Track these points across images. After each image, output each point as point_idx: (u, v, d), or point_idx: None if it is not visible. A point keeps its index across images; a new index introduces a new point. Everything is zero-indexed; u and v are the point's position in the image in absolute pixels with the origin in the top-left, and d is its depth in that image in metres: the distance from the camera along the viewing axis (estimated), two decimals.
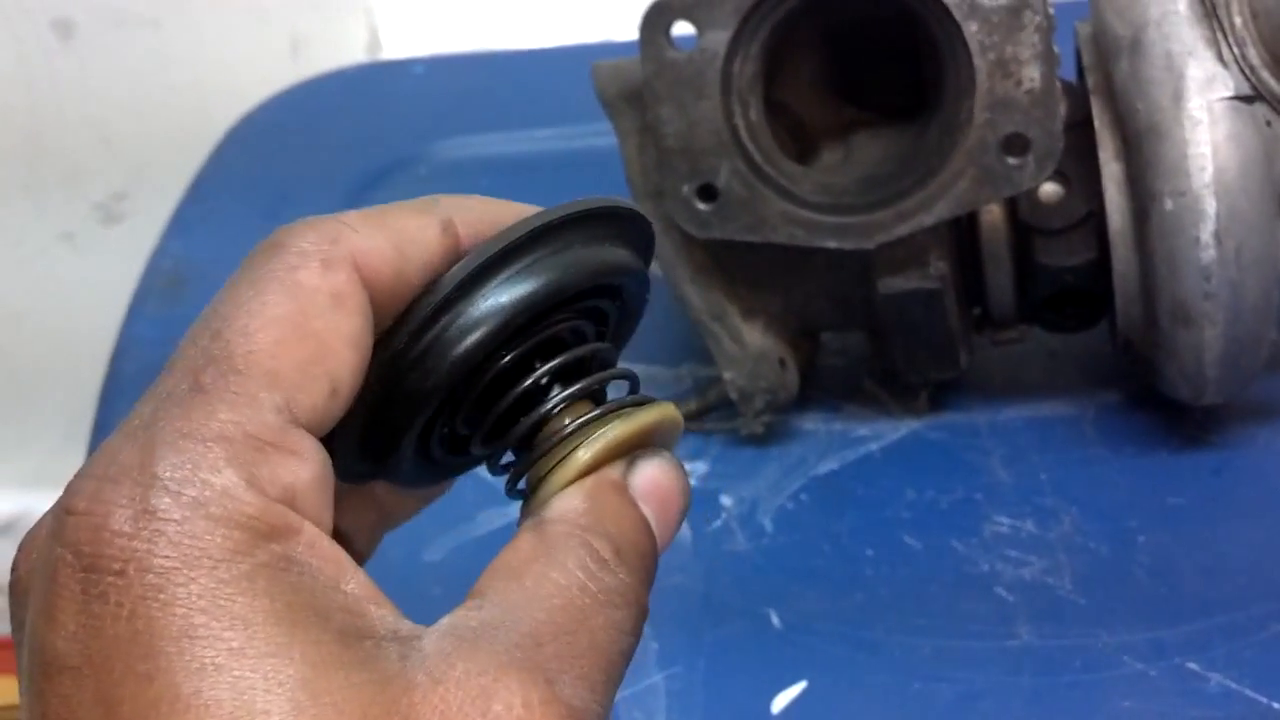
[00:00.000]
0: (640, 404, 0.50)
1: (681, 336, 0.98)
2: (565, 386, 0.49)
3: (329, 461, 0.43)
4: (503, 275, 0.46)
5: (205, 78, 1.50)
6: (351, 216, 0.46)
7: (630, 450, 0.49)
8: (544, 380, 0.49)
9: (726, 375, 0.91)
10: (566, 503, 0.47)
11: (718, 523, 0.90)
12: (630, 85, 0.89)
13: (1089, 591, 0.82)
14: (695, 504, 0.89)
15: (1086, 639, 0.80)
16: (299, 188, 1.25)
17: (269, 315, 0.42)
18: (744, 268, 0.90)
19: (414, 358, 0.46)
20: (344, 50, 1.49)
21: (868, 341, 0.96)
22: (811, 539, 0.88)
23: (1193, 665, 0.77)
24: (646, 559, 0.47)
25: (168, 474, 0.40)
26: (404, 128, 1.31)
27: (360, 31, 1.49)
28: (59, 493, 0.42)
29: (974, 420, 0.95)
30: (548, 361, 0.49)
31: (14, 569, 0.43)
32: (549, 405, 0.49)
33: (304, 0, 1.49)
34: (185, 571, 0.39)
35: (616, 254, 0.50)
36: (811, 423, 0.96)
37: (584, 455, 0.48)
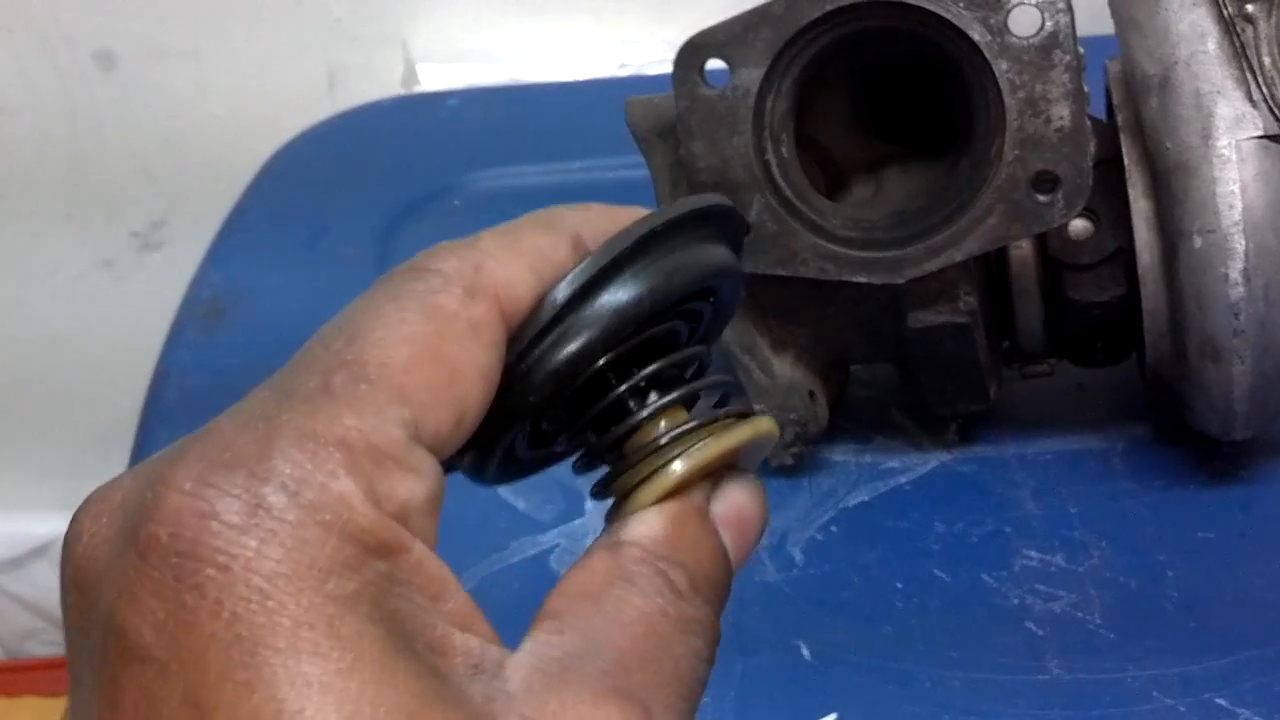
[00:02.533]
0: (735, 416, 0.49)
1: (713, 368, 0.98)
2: (661, 393, 0.48)
3: (444, 482, 0.42)
4: (605, 287, 0.46)
5: (243, 109, 1.52)
6: (488, 242, 0.45)
7: (721, 465, 0.48)
8: (640, 384, 0.48)
9: (757, 407, 0.91)
10: (646, 527, 0.46)
11: None
12: (663, 120, 0.90)
13: (1118, 625, 0.83)
14: None
15: (1116, 673, 0.80)
16: (336, 218, 1.26)
17: (406, 332, 0.41)
18: (774, 300, 0.91)
19: (520, 374, 0.45)
20: (380, 83, 1.50)
21: (897, 374, 0.97)
22: (841, 571, 0.89)
23: (1221, 700, 0.77)
24: (720, 589, 0.46)
25: (287, 471, 0.38)
26: (439, 159, 1.32)
27: (396, 64, 1.50)
28: None
29: (1003, 453, 0.96)
30: (644, 366, 0.48)
31: (74, 526, 0.40)
32: (645, 413, 0.48)
33: (341, 33, 1.50)
34: (294, 580, 0.37)
35: (716, 255, 0.49)
36: (841, 454, 0.97)
37: (677, 469, 0.46)
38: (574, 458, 0.51)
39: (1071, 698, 0.79)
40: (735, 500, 0.48)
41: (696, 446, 0.47)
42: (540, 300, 0.45)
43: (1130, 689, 0.79)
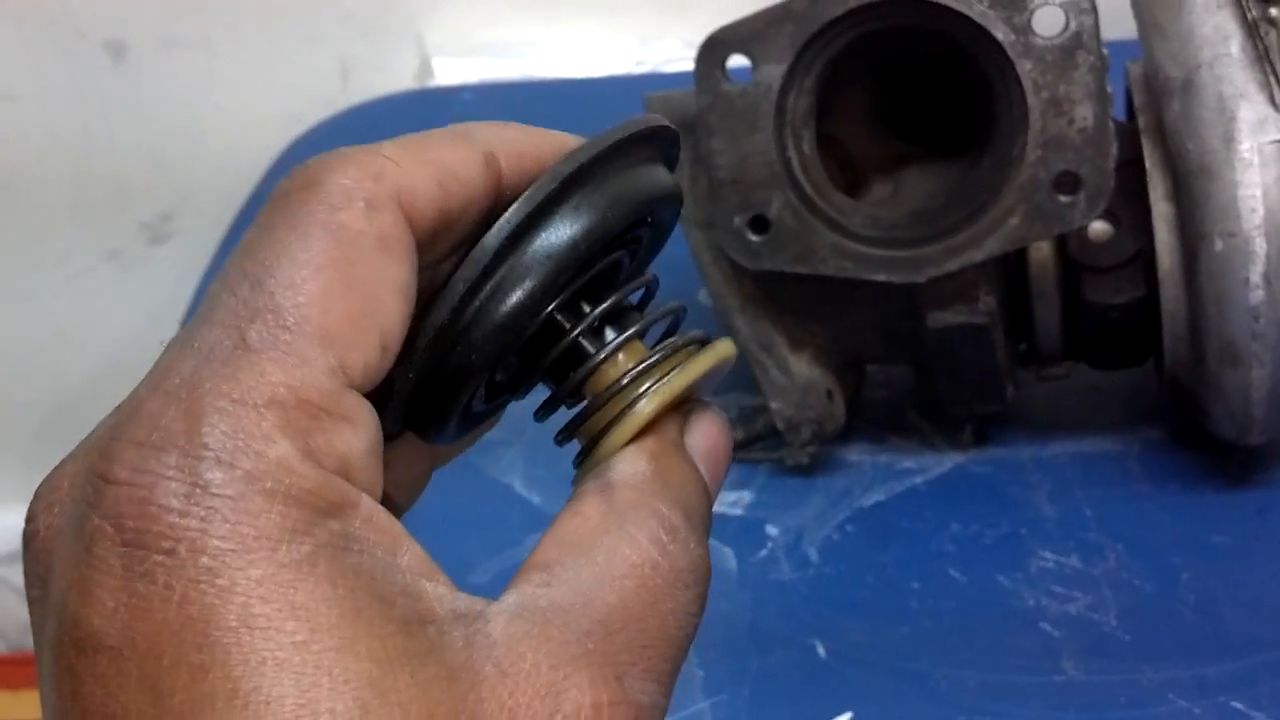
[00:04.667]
0: (695, 343, 0.47)
1: (730, 367, 0.98)
2: (616, 329, 0.47)
3: (379, 424, 0.41)
4: (540, 230, 0.43)
5: (255, 101, 1.51)
6: (390, 148, 0.42)
7: (688, 396, 0.47)
8: (594, 324, 0.46)
9: (773, 405, 0.91)
10: (631, 466, 0.44)
11: (763, 552, 0.91)
12: (682, 116, 0.90)
13: (1134, 628, 0.83)
14: (741, 533, 0.90)
15: (1131, 675, 0.80)
16: None
17: (315, 264, 0.39)
18: (793, 299, 0.91)
19: (459, 332, 0.43)
20: (394, 76, 1.49)
21: (914, 374, 0.97)
22: (856, 570, 0.89)
23: (1237, 704, 0.77)
24: (708, 521, 0.46)
25: (218, 443, 0.37)
26: None
27: (410, 58, 1.50)
28: None
29: (1019, 455, 0.96)
30: (593, 303, 0.46)
31: (30, 522, 0.40)
32: (604, 354, 0.46)
33: (355, 26, 1.49)
34: (243, 555, 0.36)
35: (652, 181, 0.47)
36: (857, 454, 0.97)
37: (647, 407, 0.45)
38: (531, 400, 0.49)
39: (1087, 699, 0.79)
40: (707, 431, 0.47)
41: (663, 381, 0.45)
42: (471, 249, 0.43)
43: (1145, 691, 0.79)
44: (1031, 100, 0.80)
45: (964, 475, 0.95)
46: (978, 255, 0.83)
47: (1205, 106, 0.81)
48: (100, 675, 0.36)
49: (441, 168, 0.43)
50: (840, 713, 0.79)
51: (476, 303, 0.43)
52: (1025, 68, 0.80)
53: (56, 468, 0.41)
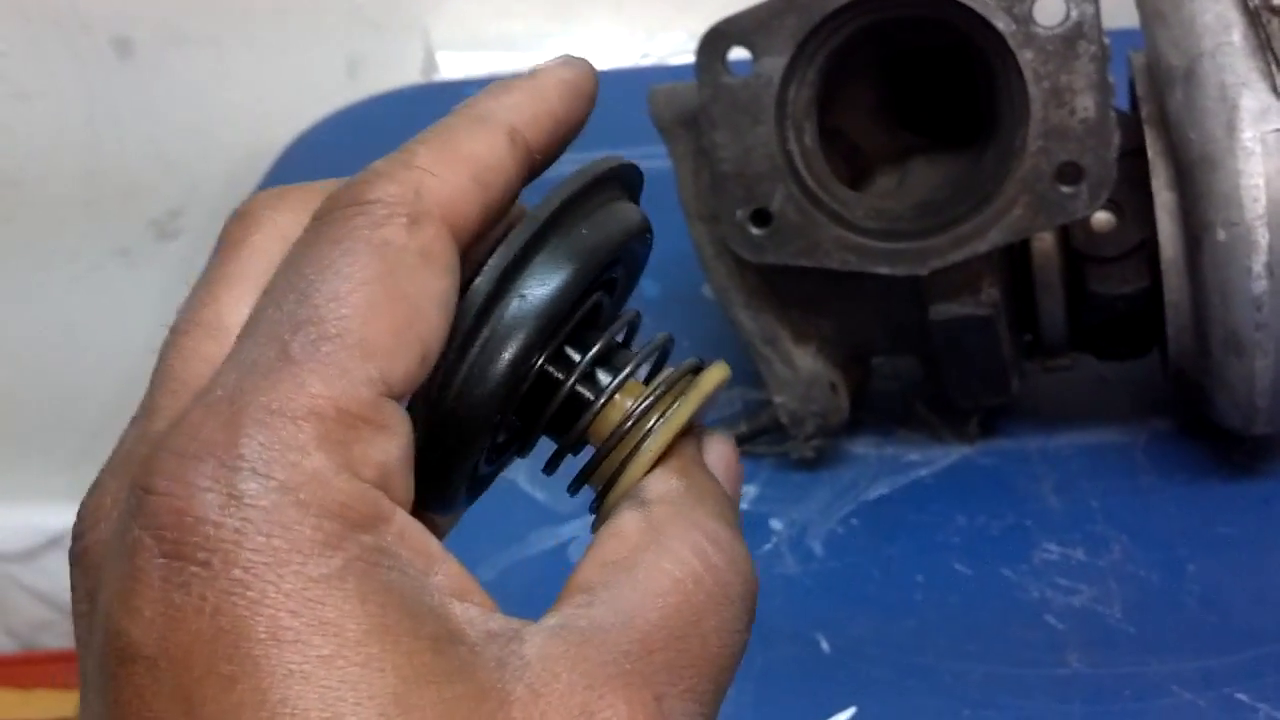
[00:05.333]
0: (689, 372, 0.47)
1: (733, 359, 0.97)
2: (609, 371, 0.46)
3: (412, 432, 0.40)
4: (518, 287, 0.43)
5: (262, 97, 1.51)
6: (423, 156, 0.42)
7: (692, 426, 0.46)
8: (588, 370, 0.46)
9: (778, 399, 0.91)
10: (663, 484, 0.44)
11: (768, 546, 0.91)
12: (685, 110, 0.90)
13: (1139, 620, 0.83)
14: (745, 528, 0.90)
15: (1136, 667, 0.80)
16: None
17: (358, 277, 0.39)
18: (797, 292, 0.91)
19: (452, 402, 0.43)
20: (401, 71, 1.49)
21: (919, 367, 0.96)
22: (861, 564, 0.89)
23: (1242, 696, 0.77)
24: (742, 534, 0.45)
25: (255, 454, 0.37)
26: None
27: (416, 53, 1.50)
28: None
29: (1025, 447, 0.95)
30: (580, 348, 0.46)
31: (78, 540, 0.41)
32: (603, 400, 0.46)
33: (361, 21, 1.49)
34: (274, 568, 0.36)
35: (625, 218, 0.47)
36: (862, 447, 0.97)
37: (654, 445, 0.45)
38: (532, 457, 0.49)
39: (1092, 692, 0.79)
40: (720, 450, 0.47)
41: (666, 415, 0.45)
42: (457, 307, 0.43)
43: (1150, 683, 0.79)
44: (1033, 90, 0.80)
45: (970, 467, 0.94)
46: (981, 247, 0.82)
47: (1207, 95, 0.80)
48: (137, 685, 0.36)
49: (475, 162, 0.43)
50: (844, 707, 0.79)
51: (464, 370, 0.43)
52: (1026, 58, 0.80)
53: (96, 484, 0.42)
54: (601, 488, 0.46)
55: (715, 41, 0.84)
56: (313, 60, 1.51)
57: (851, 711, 0.79)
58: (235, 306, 0.43)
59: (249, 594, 0.36)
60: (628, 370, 0.46)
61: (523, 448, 0.49)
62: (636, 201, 0.49)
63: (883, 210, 0.86)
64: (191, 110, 1.52)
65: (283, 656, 0.36)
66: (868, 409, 0.98)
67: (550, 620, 0.40)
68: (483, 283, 0.43)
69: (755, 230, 0.85)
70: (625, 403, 0.46)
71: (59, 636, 1.78)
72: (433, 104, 1.43)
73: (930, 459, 0.95)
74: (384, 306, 0.39)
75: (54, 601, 1.74)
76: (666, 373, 0.47)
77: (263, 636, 0.36)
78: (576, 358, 0.46)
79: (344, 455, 0.38)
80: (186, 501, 0.37)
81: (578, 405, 0.46)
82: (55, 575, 1.71)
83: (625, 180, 0.48)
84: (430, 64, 1.50)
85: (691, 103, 0.88)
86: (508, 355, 0.43)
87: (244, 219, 0.45)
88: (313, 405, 0.38)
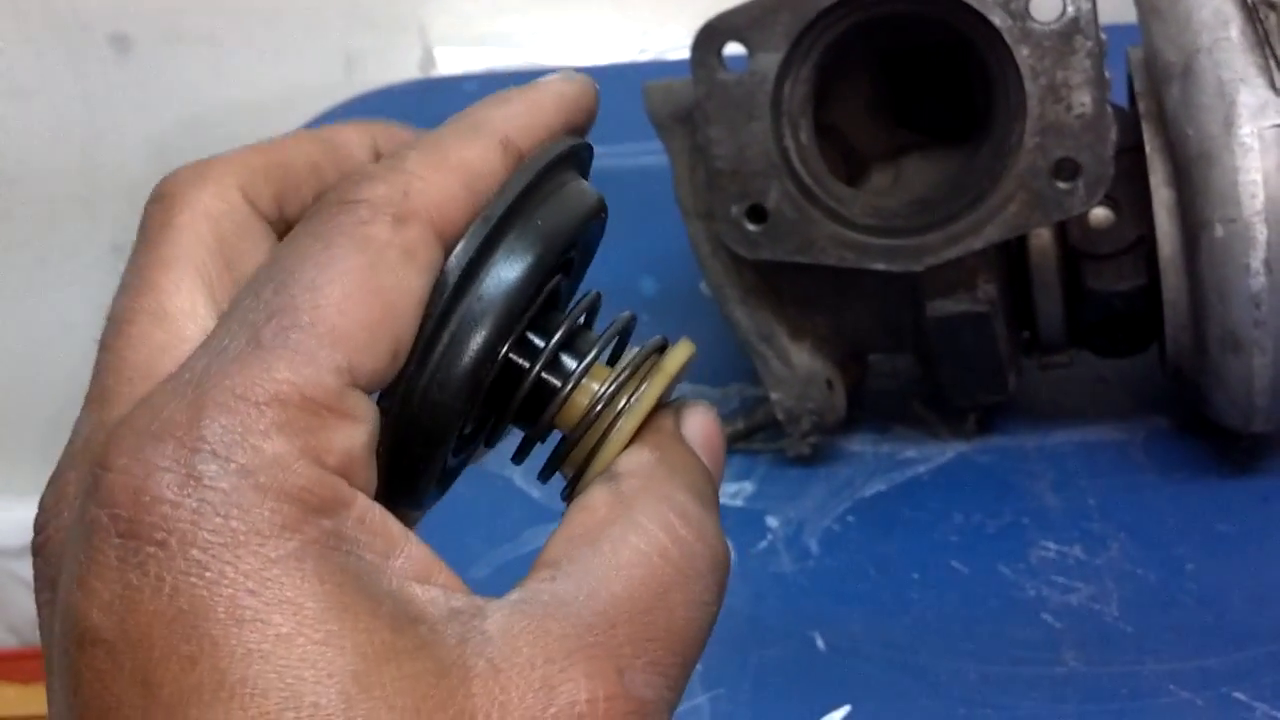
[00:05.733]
0: (655, 351, 0.47)
1: (729, 356, 0.98)
2: (573, 356, 0.46)
3: (379, 421, 0.40)
4: (478, 278, 0.43)
5: (260, 93, 1.51)
6: (414, 160, 0.43)
7: (663, 401, 0.46)
8: (552, 357, 0.46)
9: (774, 396, 0.91)
10: (636, 458, 0.44)
11: (763, 544, 0.90)
12: (681, 106, 0.89)
13: (1136, 618, 0.82)
14: (740, 525, 0.90)
15: (1133, 666, 0.79)
16: None
17: (337, 269, 0.40)
18: (793, 289, 0.90)
19: (417, 401, 0.43)
20: (398, 67, 1.49)
21: (916, 364, 0.96)
22: (857, 562, 0.88)
23: (1239, 695, 0.77)
24: (717, 508, 0.45)
25: (216, 437, 0.37)
26: None
27: (414, 49, 1.50)
28: None
29: (1023, 444, 0.95)
30: (543, 335, 0.46)
31: (39, 529, 0.41)
32: (570, 386, 0.45)
33: (359, 17, 1.49)
34: (232, 548, 0.36)
35: (582, 200, 0.47)
36: (859, 444, 0.96)
37: (626, 426, 0.45)
38: (503, 447, 0.49)
39: (1088, 691, 0.78)
40: (700, 422, 0.47)
41: (634, 396, 0.45)
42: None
43: (1147, 682, 0.78)
44: (1029, 86, 0.80)
45: (967, 465, 0.94)
46: (977, 243, 0.82)
47: (1205, 91, 0.80)
48: (97, 669, 0.36)
49: (465, 170, 0.43)
50: (839, 706, 0.79)
51: (431, 366, 0.43)
52: (1022, 54, 0.79)
53: (55, 474, 0.41)
54: (573, 474, 0.46)
55: (710, 37, 0.84)
56: (311, 56, 1.50)
57: (846, 710, 0.79)
58: (175, 292, 0.43)
59: (207, 574, 0.36)
60: (592, 355, 0.46)
61: (490, 438, 0.48)
62: (585, 173, 0.49)
63: (879, 207, 0.86)
64: (189, 107, 1.51)
65: (242, 636, 0.36)
66: (865, 406, 0.97)
67: (513, 595, 0.40)
68: (445, 279, 0.42)
69: (751, 227, 0.85)
70: (592, 387, 0.46)
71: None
72: (430, 99, 1.43)
73: (927, 456, 0.95)
74: (359, 298, 0.39)
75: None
76: (632, 353, 0.47)
77: (221, 616, 0.36)
78: (540, 344, 0.46)
79: (306, 441, 0.38)
80: (144, 480, 0.37)
81: (544, 393, 0.46)
82: None
83: (577, 159, 0.47)
84: (428, 59, 1.50)
85: (687, 99, 0.88)
86: (472, 349, 0.43)
87: (165, 200, 0.44)
88: (277, 391, 0.38)
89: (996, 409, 0.96)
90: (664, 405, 0.46)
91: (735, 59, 0.83)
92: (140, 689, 0.36)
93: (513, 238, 0.44)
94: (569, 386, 0.45)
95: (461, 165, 0.43)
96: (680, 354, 0.47)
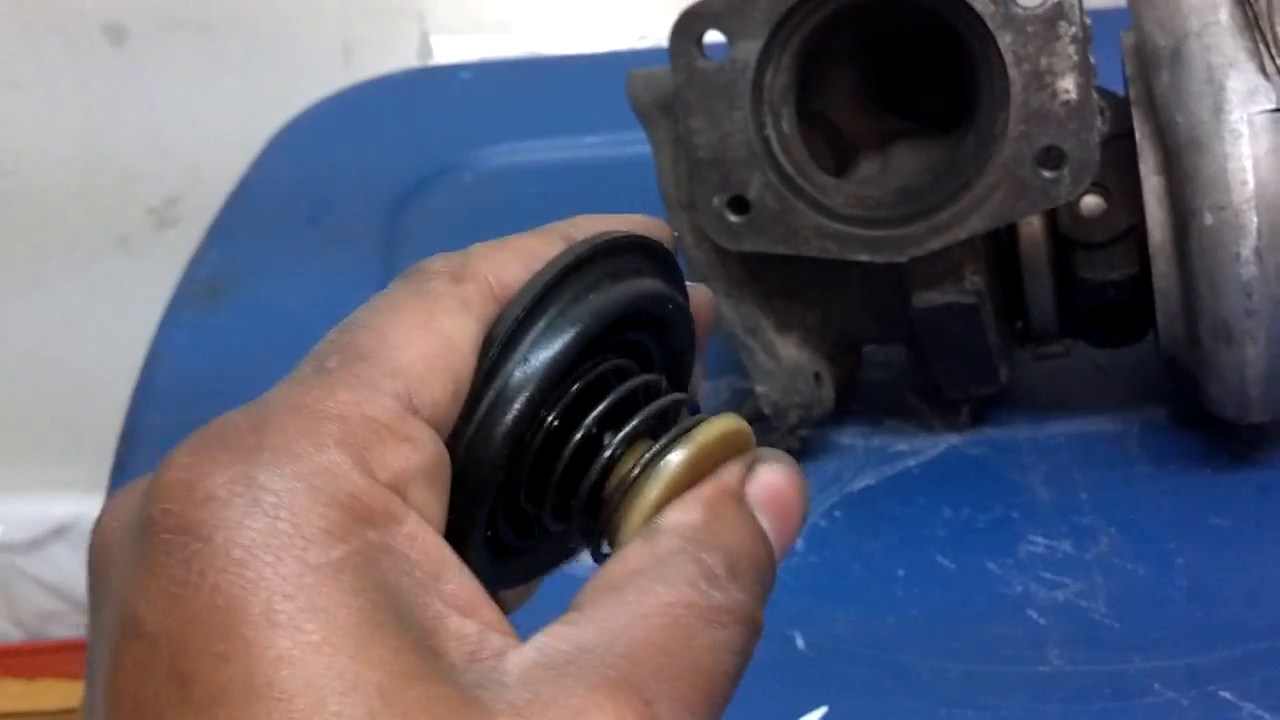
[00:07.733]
0: (698, 424, 0.45)
1: (719, 349, 0.96)
2: (617, 428, 0.45)
3: (445, 455, 0.41)
4: (524, 344, 0.44)
5: (258, 82, 1.51)
6: (478, 246, 0.46)
7: (695, 471, 0.45)
8: (594, 430, 0.45)
9: (760, 389, 0.89)
10: (681, 514, 0.43)
11: None
12: (664, 94, 0.88)
13: (1123, 615, 0.81)
14: None
15: (1119, 664, 0.78)
16: (342, 194, 1.24)
17: (397, 314, 0.42)
18: (779, 281, 0.89)
19: (464, 455, 0.43)
20: (396, 55, 1.49)
21: (907, 356, 0.95)
22: (842, 558, 0.87)
23: (1226, 694, 0.75)
24: (763, 574, 0.43)
25: (274, 442, 0.38)
26: (450, 134, 1.31)
27: (411, 37, 1.49)
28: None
29: (1015, 436, 0.94)
30: (615, 428, 0.46)
31: (98, 524, 0.42)
32: (606, 455, 0.45)
33: (356, 6, 1.49)
34: (274, 550, 0.37)
35: (639, 284, 0.47)
36: (849, 438, 0.95)
37: (651, 494, 0.44)
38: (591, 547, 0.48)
39: (1071, 690, 0.77)
40: (769, 481, 0.45)
41: (664, 462, 0.44)
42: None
43: (1132, 681, 0.77)
44: (1013, 73, 0.78)
45: (958, 457, 0.93)
46: (961, 233, 0.81)
47: (1194, 77, 0.79)
48: (138, 661, 0.37)
49: (525, 250, 0.45)
50: (815, 707, 0.77)
51: (477, 418, 0.43)
52: (1005, 40, 0.78)
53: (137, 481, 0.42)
54: (609, 541, 0.45)
55: (689, 24, 0.82)
56: (308, 45, 1.50)
57: (823, 711, 0.77)
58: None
59: (247, 574, 0.36)
60: (633, 425, 0.45)
61: (555, 517, 0.47)
62: (669, 274, 0.49)
63: (863, 197, 0.84)
64: (187, 96, 1.52)
65: (274, 639, 0.36)
66: (858, 399, 0.96)
67: (532, 643, 0.39)
68: (493, 337, 0.44)
69: (733, 218, 0.84)
70: (627, 461, 0.45)
71: (65, 626, 1.79)
72: (428, 88, 1.42)
73: (918, 449, 0.93)
74: (417, 335, 0.42)
75: (60, 591, 1.75)
76: (674, 430, 0.46)
77: (256, 617, 0.36)
78: (584, 414, 0.46)
79: (362, 455, 0.39)
80: (199, 478, 0.38)
81: (585, 463, 0.46)
82: (61, 566, 1.72)
83: (651, 256, 0.48)
84: (425, 48, 1.50)
85: (670, 87, 0.86)
86: (515, 407, 0.43)
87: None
88: (339, 409, 0.39)
89: (991, 400, 0.95)
90: (739, 455, 0.45)
91: (715, 47, 0.82)
92: (175, 685, 0.36)
93: (565, 302, 0.45)
94: (602, 460, 0.45)
95: (523, 249, 0.46)
96: (720, 424, 0.45)
